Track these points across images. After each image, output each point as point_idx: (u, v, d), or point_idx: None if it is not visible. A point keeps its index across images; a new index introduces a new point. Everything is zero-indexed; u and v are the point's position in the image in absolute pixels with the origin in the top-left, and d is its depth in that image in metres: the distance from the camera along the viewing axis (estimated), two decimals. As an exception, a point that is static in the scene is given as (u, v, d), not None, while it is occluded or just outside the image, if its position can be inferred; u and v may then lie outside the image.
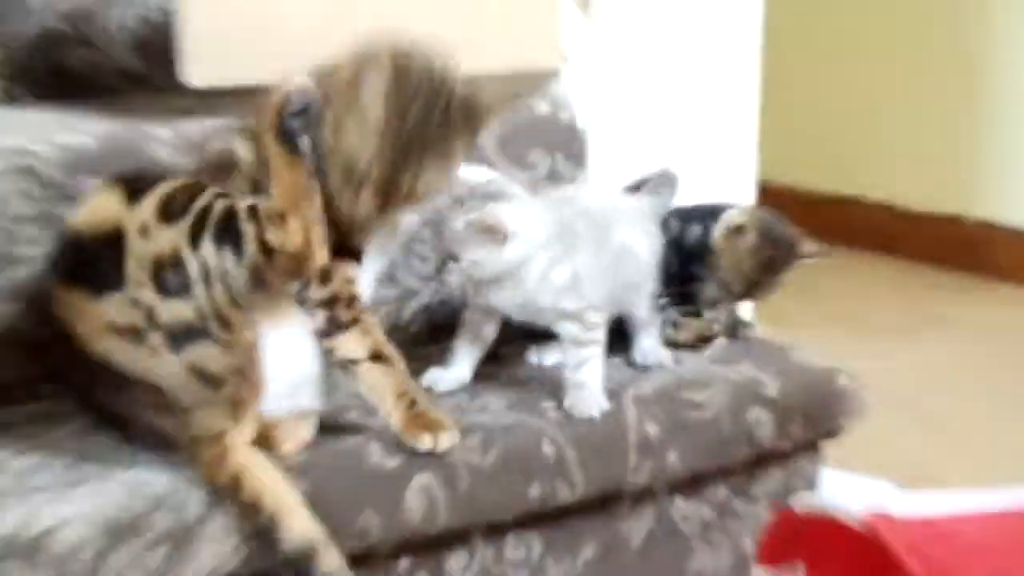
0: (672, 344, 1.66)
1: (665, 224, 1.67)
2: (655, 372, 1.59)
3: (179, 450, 1.30)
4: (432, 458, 1.36)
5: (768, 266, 1.63)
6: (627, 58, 1.99)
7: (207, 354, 1.28)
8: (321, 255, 1.28)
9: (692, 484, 1.58)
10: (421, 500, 1.34)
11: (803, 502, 1.19)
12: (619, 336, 1.61)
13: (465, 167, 1.51)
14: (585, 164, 1.88)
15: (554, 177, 1.83)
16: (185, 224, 1.29)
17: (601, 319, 1.50)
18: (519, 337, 1.61)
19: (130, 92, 1.72)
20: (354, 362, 1.37)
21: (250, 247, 1.27)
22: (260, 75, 1.70)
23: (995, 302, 3.29)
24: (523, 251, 1.45)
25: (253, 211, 1.28)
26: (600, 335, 1.50)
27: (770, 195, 2.17)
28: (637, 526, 1.56)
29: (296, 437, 1.35)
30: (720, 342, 1.70)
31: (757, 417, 1.57)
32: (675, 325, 1.68)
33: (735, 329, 1.73)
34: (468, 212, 1.43)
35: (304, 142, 1.26)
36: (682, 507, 1.59)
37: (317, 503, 1.29)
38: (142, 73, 1.84)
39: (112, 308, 1.32)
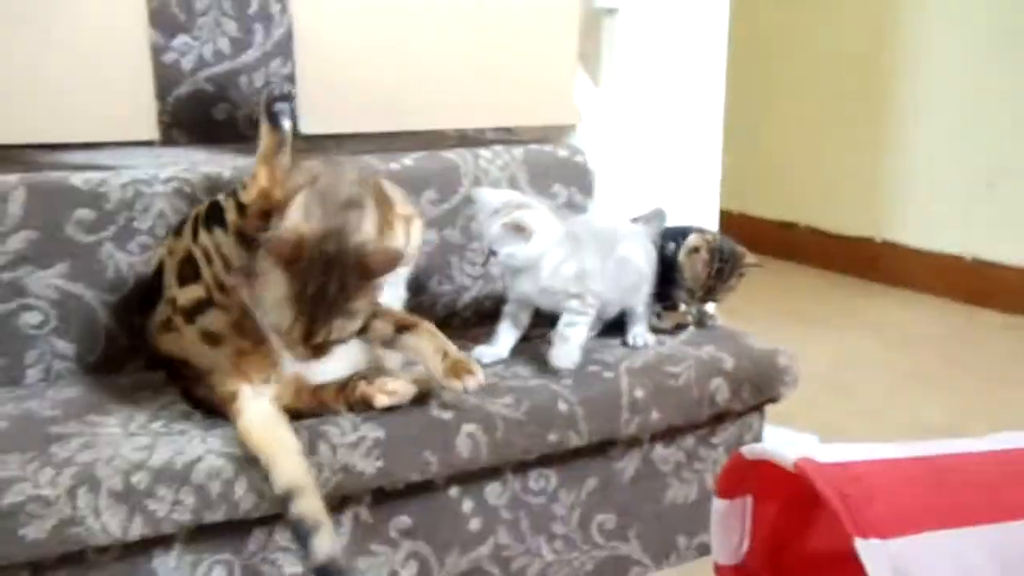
0: (656, 330, 1.66)
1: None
2: (643, 351, 1.59)
3: (218, 414, 1.28)
4: (476, 411, 1.35)
5: (718, 275, 1.63)
6: (625, 117, 1.99)
7: (212, 318, 1.26)
8: (281, 191, 1.24)
9: (669, 435, 1.58)
10: (468, 443, 1.35)
11: (750, 449, 1.19)
12: (617, 326, 1.62)
13: (505, 191, 1.54)
14: (593, 195, 1.88)
15: (570, 204, 1.82)
16: (188, 229, 1.30)
17: (596, 302, 1.50)
18: (543, 324, 1.60)
19: (257, 137, 1.73)
20: (388, 338, 1.33)
21: (230, 215, 1.25)
22: (354, 125, 1.73)
23: (895, 303, 3.29)
24: (542, 246, 1.46)
25: (232, 192, 1.28)
26: (592, 312, 1.50)
27: (730, 221, 2.16)
28: (628, 465, 1.56)
29: (388, 392, 1.31)
30: (692, 329, 1.69)
31: (718, 385, 1.56)
32: (658, 316, 1.68)
33: (703, 320, 1.72)
34: (502, 217, 1.44)
35: (286, 122, 1.28)
36: (661, 452, 1.59)
37: (391, 444, 1.29)
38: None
39: (158, 313, 1.33)
